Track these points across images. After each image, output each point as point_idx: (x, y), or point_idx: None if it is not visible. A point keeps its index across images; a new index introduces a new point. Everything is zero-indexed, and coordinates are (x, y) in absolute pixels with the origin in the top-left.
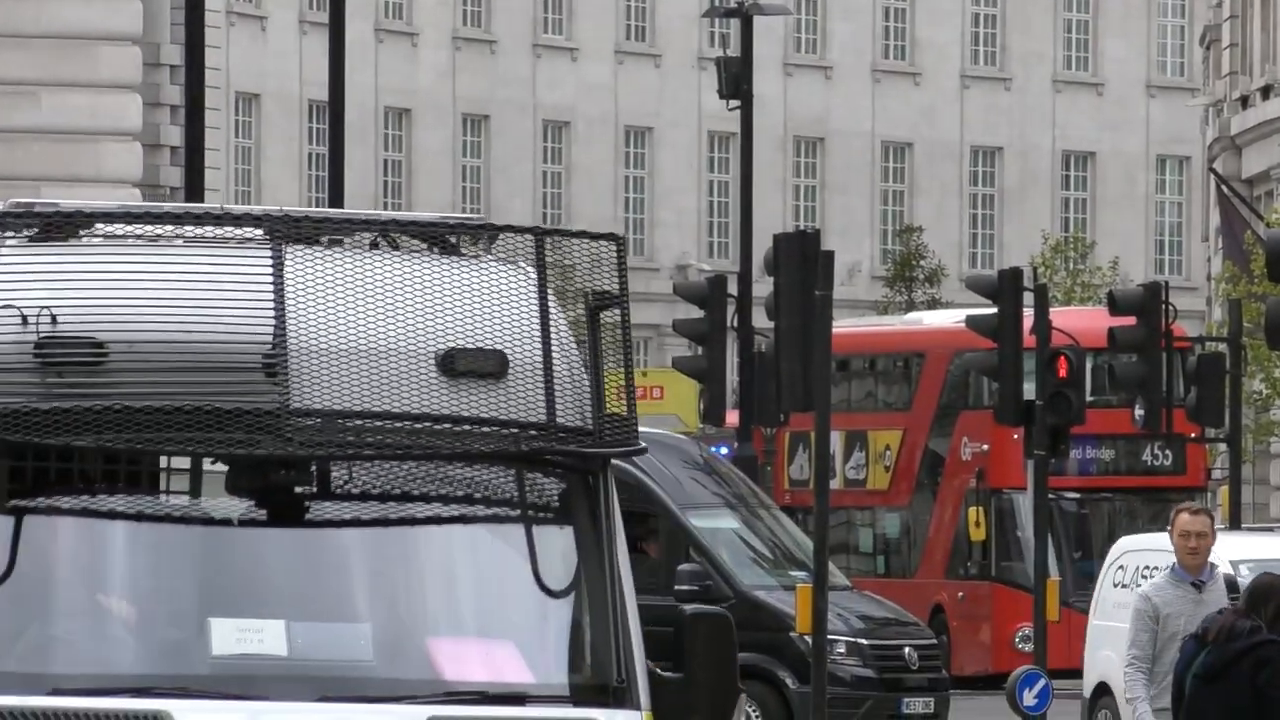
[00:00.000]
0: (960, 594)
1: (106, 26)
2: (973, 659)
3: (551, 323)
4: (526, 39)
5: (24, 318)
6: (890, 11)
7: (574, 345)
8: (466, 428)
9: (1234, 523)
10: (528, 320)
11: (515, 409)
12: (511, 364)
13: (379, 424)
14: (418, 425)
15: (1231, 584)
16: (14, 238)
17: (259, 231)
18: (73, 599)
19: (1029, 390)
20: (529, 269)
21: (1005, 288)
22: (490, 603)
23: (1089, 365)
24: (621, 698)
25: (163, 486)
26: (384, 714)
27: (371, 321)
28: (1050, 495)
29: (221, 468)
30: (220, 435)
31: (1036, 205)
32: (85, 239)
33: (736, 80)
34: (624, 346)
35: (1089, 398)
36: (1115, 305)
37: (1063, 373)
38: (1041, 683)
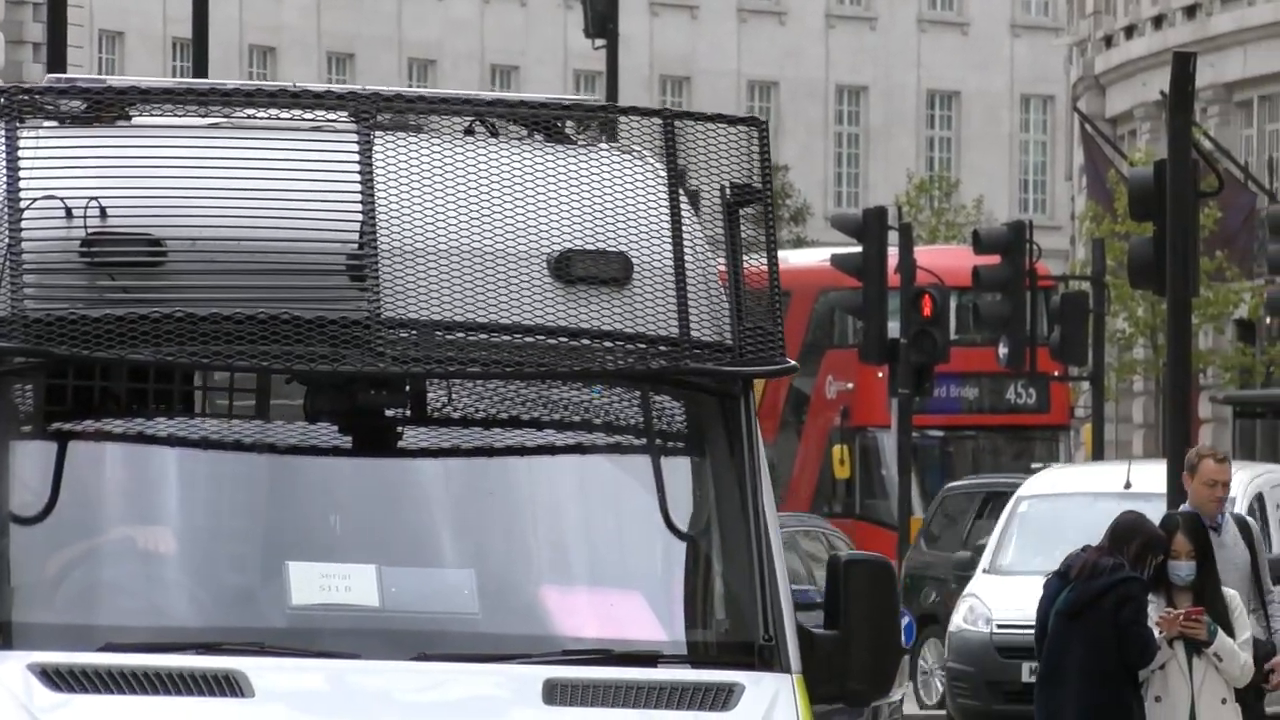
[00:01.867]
0: None
1: None
2: None
3: (684, 221)
4: None
5: (68, 211)
6: None
7: (709, 247)
8: (585, 342)
9: (1097, 460)
10: (655, 218)
11: (641, 321)
12: (636, 269)
13: (483, 337)
14: (528, 339)
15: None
16: (57, 116)
17: (343, 114)
18: (125, 539)
19: (894, 329)
20: (655, 160)
21: (870, 226)
22: (613, 547)
23: (953, 304)
24: (768, 658)
25: (231, 408)
26: (492, 675)
27: (474, 219)
28: (914, 433)
29: (301, 387)
30: (299, 349)
31: (901, 144)
32: (138, 122)
33: (603, 19)
34: (769, 248)
35: (953, 336)
36: (980, 244)
37: (927, 311)
38: (905, 619)
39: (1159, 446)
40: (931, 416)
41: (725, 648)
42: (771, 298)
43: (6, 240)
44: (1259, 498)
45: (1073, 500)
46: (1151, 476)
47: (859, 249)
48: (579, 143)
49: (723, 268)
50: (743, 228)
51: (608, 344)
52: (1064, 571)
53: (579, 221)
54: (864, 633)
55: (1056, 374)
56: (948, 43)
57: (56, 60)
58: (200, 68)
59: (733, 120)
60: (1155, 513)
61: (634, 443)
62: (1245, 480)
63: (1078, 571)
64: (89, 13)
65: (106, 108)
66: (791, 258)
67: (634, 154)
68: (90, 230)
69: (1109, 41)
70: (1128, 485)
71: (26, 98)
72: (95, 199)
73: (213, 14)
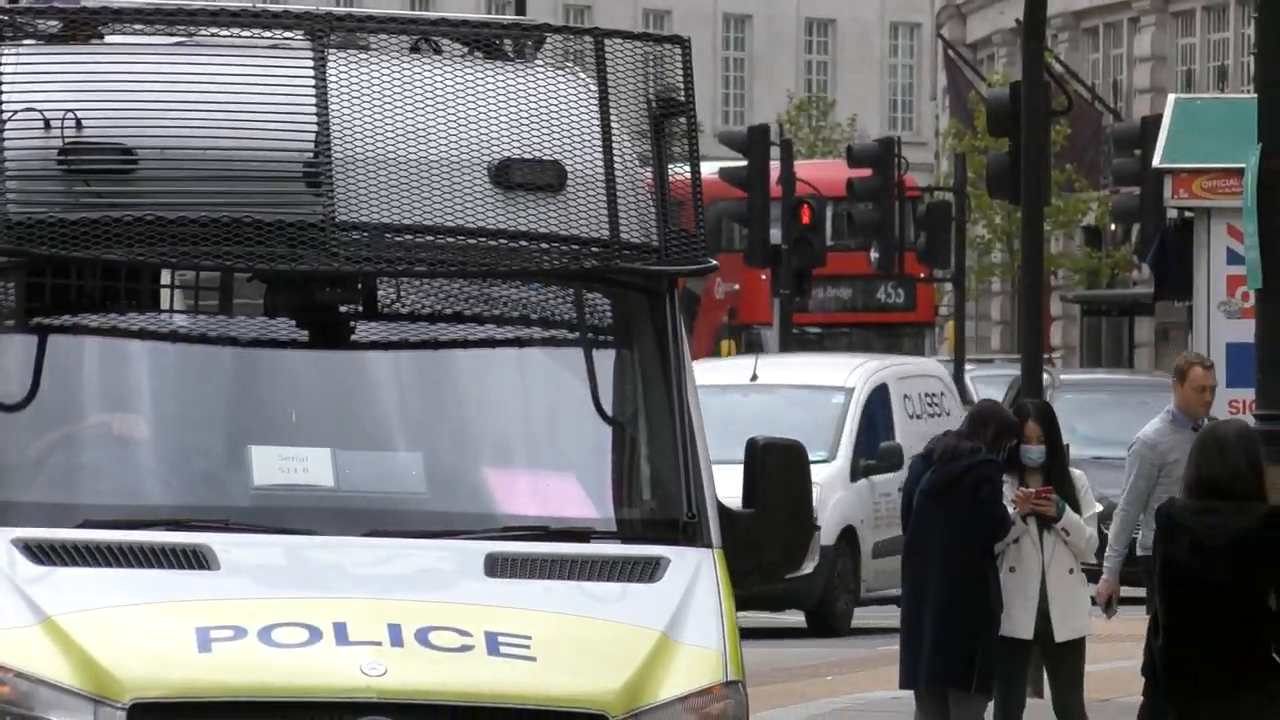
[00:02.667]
0: None
1: None
2: None
3: (613, 131)
4: None
5: (47, 122)
6: None
7: (636, 154)
8: (522, 244)
9: (958, 353)
10: (587, 129)
11: (575, 224)
12: (570, 176)
13: (429, 239)
14: (471, 241)
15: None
16: (34, 35)
17: (299, 34)
18: (101, 425)
19: (775, 235)
20: (586, 75)
21: (755, 143)
22: (549, 432)
23: (829, 213)
24: (691, 534)
25: (197, 304)
26: (437, 549)
27: (421, 130)
28: (795, 330)
29: (261, 285)
30: (259, 249)
31: (782, 68)
32: (111, 41)
33: None
34: (691, 156)
35: (829, 242)
36: (853, 158)
37: (806, 219)
38: None
39: (1014, 342)
40: (810, 315)
41: (651, 524)
42: (695, 204)
43: None
44: (882, 388)
45: (704, 392)
46: (776, 370)
47: (745, 163)
48: (515, 59)
49: (649, 175)
50: (667, 139)
51: (544, 245)
52: (927, 454)
53: (516, 132)
54: (778, 511)
55: (922, 276)
56: None
57: None
58: None
59: (658, 39)
60: (779, 403)
61: (568, 337)
62: (869, 371)
63: (939, 455)
64: None
65: (81, 27)
66: None
67: (566, 69)
68: (67, 140)
69: None
70: (754, 378)
71: (6, 18)
72: (72, 112)
73: None
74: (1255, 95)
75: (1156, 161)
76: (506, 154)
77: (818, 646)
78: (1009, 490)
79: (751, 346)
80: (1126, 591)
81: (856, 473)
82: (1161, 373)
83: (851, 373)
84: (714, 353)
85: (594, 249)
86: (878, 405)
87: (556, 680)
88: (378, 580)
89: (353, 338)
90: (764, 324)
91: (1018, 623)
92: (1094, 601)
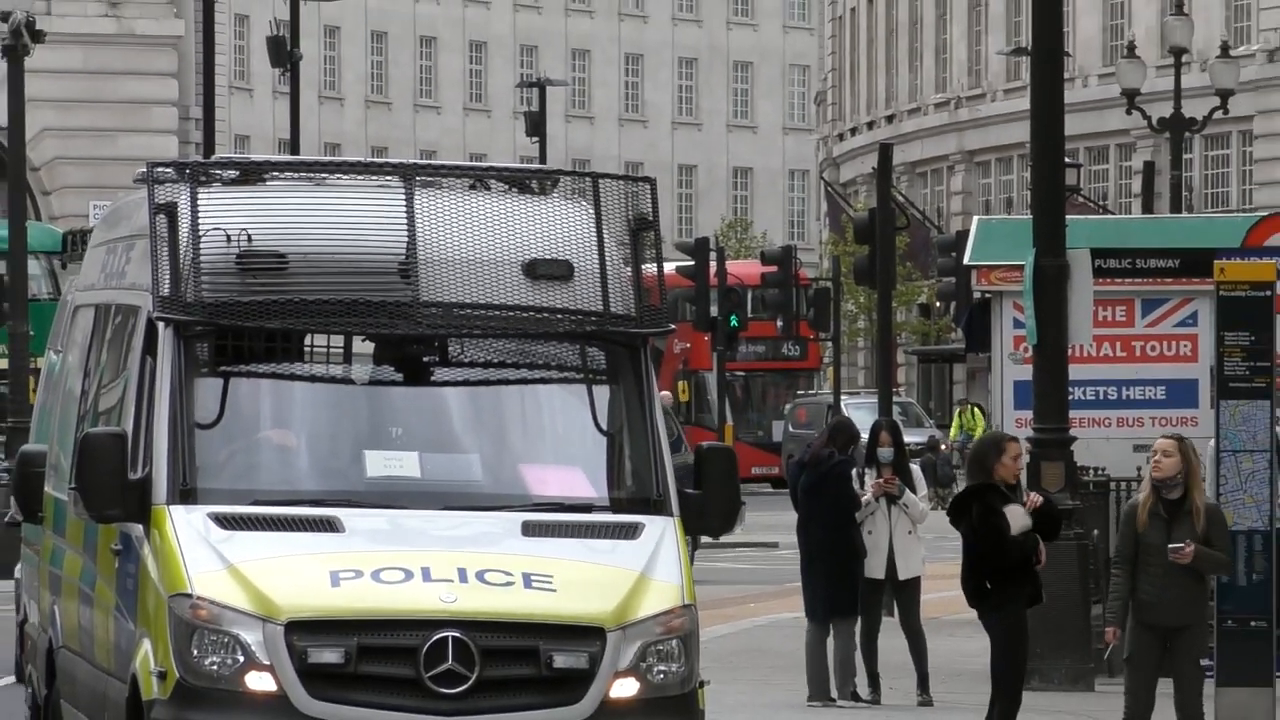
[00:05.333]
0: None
1: (156, 95)
2: None
3: (605, 241)
4: None
5: (228, 237)
6: None
7: (621, 255)
8: (544, 314)
9: (836, 388)
10: (587, 239)
11: (579, 301)
12: (576, 270)
13: (482, 312)
14: (509, 313)
15: None
16: (220, 181)
17: (395, 178)
18: (265, 437)
19: (714, 310)
20: (587, 204)
21: (699, 249)
22: (562, 440)
23: (749, 296)
24: (659, 507)
25: (328, 357)
26: (489, 518)
27: (476, 239)
28: (726, 374)
29: (371, 344)
30: (370, 320)
31: (717, 199)
32: (269, 183)
33: (536, 125)
34: (657, 258)
35: (749, 315)
36: (765, 259)
37: (734, 299)
38: None
39: (873, 380)
40: (736, 364)
41: (632, 501)
42: (659, 289)
43: (192, 256)
44: None
45: None
46: None
47: (692, 262)
48: (539, 193)
49: (629, 270)
50: (640, 246)
51: (558, 315)
52: (801, 460)
53: (539, 241)
54: (716, 492)
55: (812, 337)
56: (746, 137)
57: (208, 154)
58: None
59: (634, 179)
60: None
61: (575, 376)
62: None
63: (809, 462)
64: (228, 124)
65: (250, 175)
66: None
67: (573, 200)
68: (241, 249)
69: (841, 137)
70: None
71: (202, 170)
72: (244, 230)
73: (302, 127)
74: (1030, 218)
75: (966, 260)
76: (533, 255)
77: (744, 585)
78: (870, 478)
79: (698, 385)
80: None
81: None
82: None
83: None
84: (674, 388)
85: (592, 318)
86: None
87: (571, 604)
88: (450, 539)
89: (431, 378)
90: (706, 370)
91: (874, 568)
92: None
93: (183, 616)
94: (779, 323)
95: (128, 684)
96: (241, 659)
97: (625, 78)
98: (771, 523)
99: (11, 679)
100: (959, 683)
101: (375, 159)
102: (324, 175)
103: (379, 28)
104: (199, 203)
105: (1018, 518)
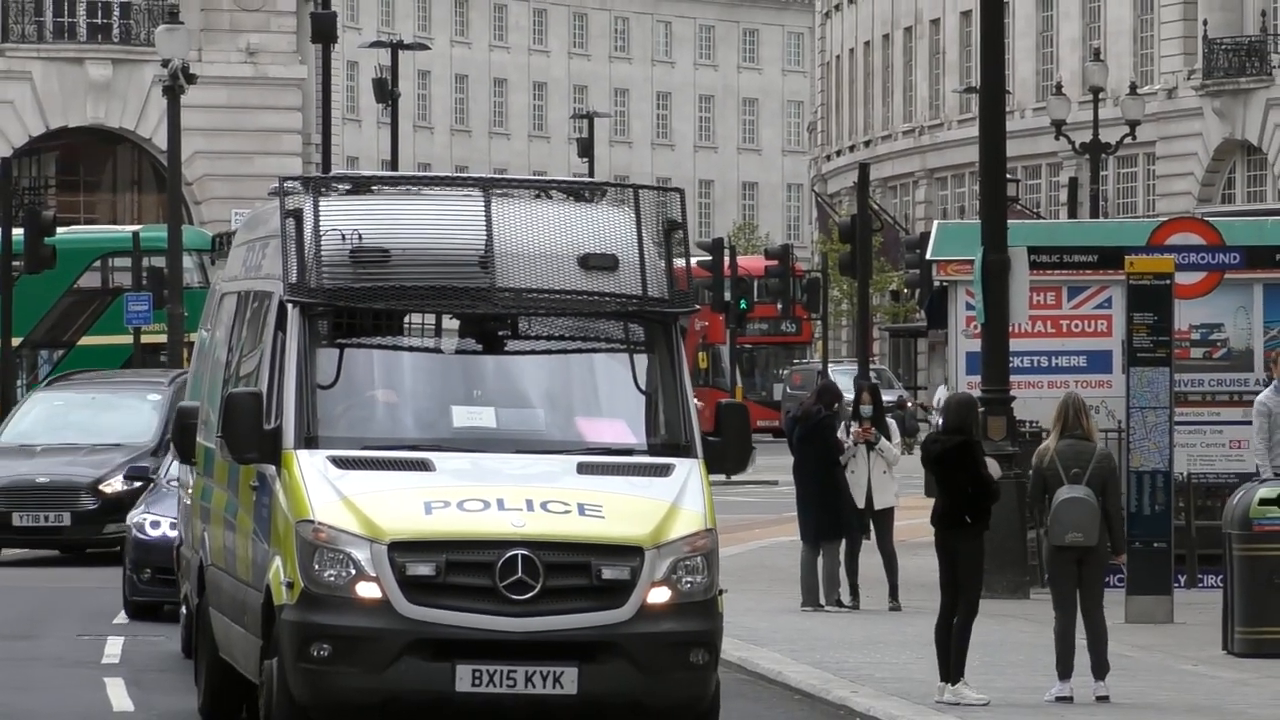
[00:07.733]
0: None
1: (284, 125)
2: None
3: (643, 239)
4: None
5: (343, 236)
6: None
7: (656, 251)
8: (595, 298)
9: (824, 358)
10: (629, 237)
11: (623, 287)
12: (621, 262)
13: (546, 295)
14: (567, 296)
15: None
16: (336, 192)
17: (475, 189)
18: (372, 396)
19: (728, 295)
20: (629, 209)
21: (716, 247)
22: (610, 398)
23: (756, 284)
24: (687, 451)
25: (423, 332)
26: (551, 461)
27: (540, 238)
28: (737, 346)
29: (456, 321)
30: (457, 302)
31: (729, 209)
32: (375, 192)
33: (586, 148)
34: (685, 252)
35: (756, 299)
36: (768, 255)
37: (743, 287)
38: None
39: (853, 351)
40: (745, 338)
41: (665, 446)
42: (686, 278)
43: (315, 251)
44: None
45: None
46: None
47: (711, 258)
48: (591, 201)
49: (663, 263)
50: (671, 244)
51: (606, 298)
52: (795, 415)
53: (591, 239)
54: (733, 440)
55: (805, 317)
56: (752, 158)
57: (325, 172)
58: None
59: (666, 189)
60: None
61: (620, 347)
62: None
63: (801, 416)
64: (341, 148)
65: (360, 186)
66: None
67: (618, 206)
68: (353, 246)
69: (829, 158)
70: None
71: (322, 183)
72: (356, 230)
73: (400, 150)
74: (979, 222)
75: (929, 256)
76: (586, 250)
77: (750, 514)
78: (854, 427)
79: (714, 355)
80: None
81: None
82: None
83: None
84: (695, 359)
85: (634, 300)
86: None
87: (617, 528)
88: (520, 476)
89: (505, 348)
90: (721, 343)
91: (856, 500)
92: None
93: (306, 538)
94: (779, 306)
95: (263, 592)
96: (353, 572)
97: (657, 110)
98: (772, 465)
99: (124, 617)
100: (923, 592)
101: (459, 174)
102: (418, 187)
103: (461, 71)
104: (320, 209)
105: (994, 467)
